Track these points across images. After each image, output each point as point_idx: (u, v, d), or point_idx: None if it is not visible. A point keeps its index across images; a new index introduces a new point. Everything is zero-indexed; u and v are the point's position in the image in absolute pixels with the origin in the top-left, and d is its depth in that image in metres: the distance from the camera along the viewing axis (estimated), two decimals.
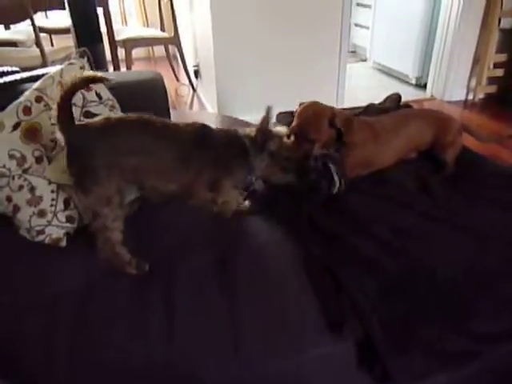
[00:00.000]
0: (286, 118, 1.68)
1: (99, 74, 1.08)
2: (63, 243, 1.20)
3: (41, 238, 1.20)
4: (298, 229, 1.18)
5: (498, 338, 0.93)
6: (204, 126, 1.20)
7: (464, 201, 1.30)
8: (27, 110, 1.27)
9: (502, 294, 1.00)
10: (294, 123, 1.35)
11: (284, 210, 1.29)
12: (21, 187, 1.21)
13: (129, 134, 1.09)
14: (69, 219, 1.23)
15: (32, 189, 1.21)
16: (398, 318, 0.93)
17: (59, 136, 1.06)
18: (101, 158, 1.05)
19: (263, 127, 1.18)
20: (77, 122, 1.10)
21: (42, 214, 1.20)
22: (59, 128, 1.05)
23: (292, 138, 1.33)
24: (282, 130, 1.28)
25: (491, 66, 3.63)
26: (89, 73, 1.10)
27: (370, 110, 1.81)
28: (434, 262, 1.04)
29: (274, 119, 1.20)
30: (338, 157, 1.34)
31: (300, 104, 1.41)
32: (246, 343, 0.92)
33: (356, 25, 5.01)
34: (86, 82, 1.09)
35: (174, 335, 0.92)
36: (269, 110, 1.18)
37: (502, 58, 3.60)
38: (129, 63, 3.66)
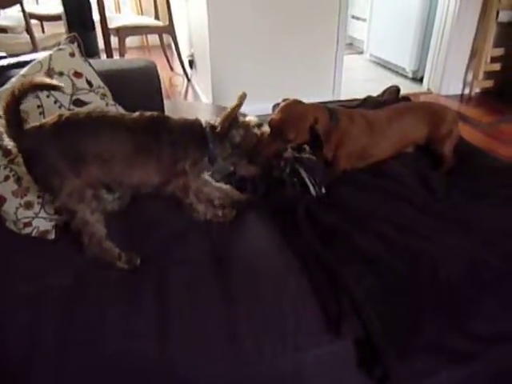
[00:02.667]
0: None
1: (53, 82, 1.06)
2: (52, 236, 1.16)
3: (28, 230, 1.15)
4: (296, 223, 1.14)
5: (500, 338, 0.91)
6: (160, 115, 1.17)
7: (465, 196, 1.28)
8: None
9: (506, 292, 0.97)
10: (274, 116, 1.29)
11: (281, 203, 1.26)
12: (7, 177, 1.16)
13: (83, 129, 1.06)
14: (57, 211, 1.19)
15: (18, 179, 1.16)
16: (399, 317, 0.91)
17: (9, 143, 1.02)
18: (59, 156, 1.02)
19: (229, 116, 1.14)
20: (29, 125, 1.05)
21: (28, 205, 1.16)
22: (9, 135, 1.01)
23: (267, 130, 1.28)
24: (252, 119, 1.23)
25: (488, 60, 3.60)
26: (41, 79, 1.06)
27: (368, 102, 1.78)
28: (435, 260, 1.01)
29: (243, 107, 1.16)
30: (314, 161, 1.31)
31: (284, 99, 1.37)
32: (241, 342, 0.88)
33: (353, 17, 4.96)
34: (36, 88, 1.05)
35: (168, 334, 0.88)
36: (241, 98, 1.14)
37: (500, 52, 3.57)
38: (122, 52, 3.59)
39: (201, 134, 1.17)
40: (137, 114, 1.14)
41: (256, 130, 1.23)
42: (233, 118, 1.15)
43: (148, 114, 1.15)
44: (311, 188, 1.28)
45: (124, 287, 0.98)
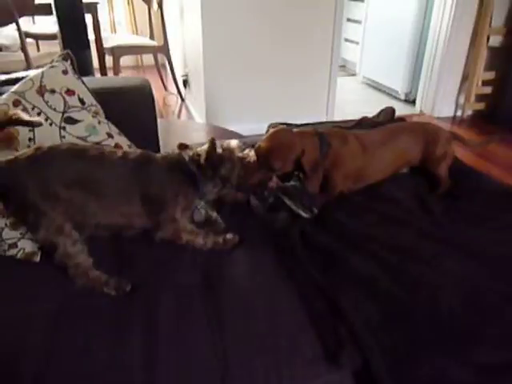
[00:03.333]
0: None
1: (31, 118, 1.05)
2: (37, 258, 1.11)
3: (13, 252, 1.11)
4: (291, 247, 1.11)
5: (505, 369, 0.86)
6: (147, 153, 1.15)
7: (465, 220, 1.25)
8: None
9: (509, 321, 0.93)
10: (261, 144, 1.28)
11: (276, 226, 1.23)
12: None
13: (61, 164, 1.03)
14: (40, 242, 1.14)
15: None
16: (399, 346, 0.87)
17: None
18: (34, 191, 1.00)
19: (211, 156, 1.12)
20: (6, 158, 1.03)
21: (15, 226, 1.12)
22: None
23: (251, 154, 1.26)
24: (234, 143, 1.21)
25: (480, 84, 3.66)
26: (18, 113, 1.04)
27: (363, 123, 1.77)
28: (436, 286, 0.98)
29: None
30: (298, 188, 1.30)
31: (271, 125, 1.35)
32: (232, 372, 0.83)
33: (346, 40, 5.04)
34: (11, 124, 1.05)
35: (155, 365, 0.83)
36: (212, 142, 1.12)
37: (491, 75, 3.64)
38: (116, 71, 3.59)
39: (187, 173, 1.14)
40: (121, 151, 1.12)
41: (240, 154, 1.21)
42: (215, 157, 1.13)
43: (133, 152, 1.13)
44: (301, 212, 1.26)
45: (110, 316, 0.93)
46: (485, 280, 1.01)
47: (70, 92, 1.30)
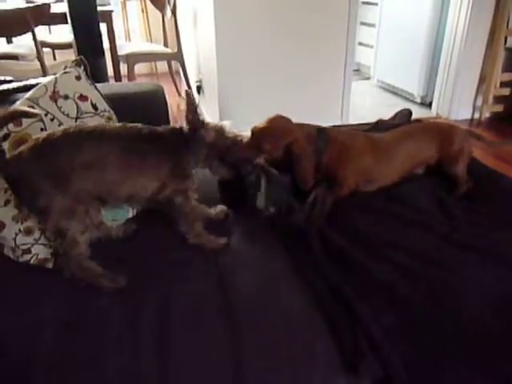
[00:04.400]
0: None
1: (31, 110, 1.06)
2: (50, 264, 1.11)
3: (26, 257, 1.10)
4: (308, 250, 1.08)
5: None
6: (144, 125, 1.16)
7: (489, 224, 1.20)
8: (18, 122, 1.20)
9: None
10: (259, 125, 1.32)
11: (291, 227, 1.20)
12: (7, 202, 1.13)
13: (62, 146, 1.03)
14: (49, 236, 1.13)
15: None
16: (421, 356, 0.83)
17: None
18: (42, 177, 1.01)
19: (191, 116, 1.15)
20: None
21: (28, 231, 1.11)
22: None
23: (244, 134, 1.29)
24: (225, 123, 1.24)
25: (497, 85, 3.58)
26: (19, 108, 1.07)
27: (379, 125, 1.74)
28: (460, 294, 0.94)
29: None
30: (279, 179, 1.31)
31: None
32: (248, 382, 0.81)
33: (360, 43, 5.00)
34: (13, 117, 1.07)
35: (168, 372, 0.81)
36: (188, 95, 1.14)
37: (509, 77, 3.55)
38: (131, 78, 3.62)
39: (184, 139, 1.17)
40: (119, 124, 1.15)
41: (229, 134, 1.23)
42: (195, 119, 1.15)
43: (131, 124, 1.14)
44: (262, 201, 1.26)
45: (122, 322, 0.91)
46: (510, 287, 0.96)
47: (83, 98, 1.30)
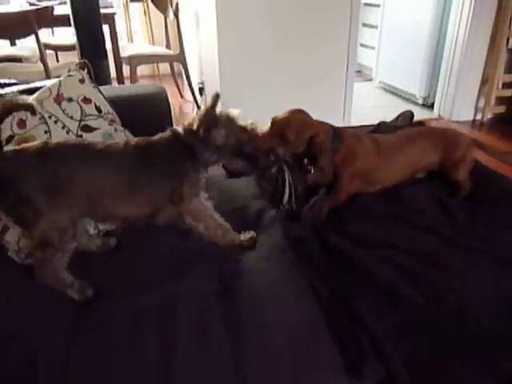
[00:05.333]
0: None
1: (26, 102, 1.00)
2: None
3: (30, 261, 1.10)
4: (309, 253, 1.08)
5: None
6: (144, 140, 1.10)
7: (489, 226, 1.20)
8: (22, 124, 1.21)
9: None
10: (280, 116, 1.31)
11: (293, 230, 1.20)
12: None
13: (69, 160, 0.98)
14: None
15: None
16: (423, 358, 0.83)
17: None
18: (39, 187, 0.93)
19: (204, 118, 1.07)
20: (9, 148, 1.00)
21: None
22: None
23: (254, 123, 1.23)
24: (234, 111, 1.15)
25: (500, 86, 3.57)
26: (11, 100, 0.99)
27: (381, 127, 1.74)
28: (462, 295, 0.94)
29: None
30: (300, 175, 1.29)
31: None
32: None
33: (362, 45, 5.00)
34: (9, 110, 1.00)
35: (172, 376, 0.81)
36: (214, 98, 1.06)
37: (511, 78, 3.55)
38: (133, 80, 3.63)
39: (186, 145, 1.09)
40: (122, 142, 1.08)
41: (240, 123, 1.14)
42: (210, 121, 1.07)
43: (133, 141, 1.09)
44: (286, 196, 1.24)
45: (126, 325, 0.92)
46: None
47: (86, 100, 1.31)
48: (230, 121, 1.12)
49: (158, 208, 1.09)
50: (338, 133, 1.35)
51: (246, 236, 1.17)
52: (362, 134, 1.43)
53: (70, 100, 1.28)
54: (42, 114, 1.22)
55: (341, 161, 1.34)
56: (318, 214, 1.26)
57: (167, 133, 1.12)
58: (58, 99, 1.26)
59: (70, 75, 1.33)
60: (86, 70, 1.38)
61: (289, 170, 1.25)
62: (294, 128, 1.26)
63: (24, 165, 0.94)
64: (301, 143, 1.28)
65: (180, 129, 1.12)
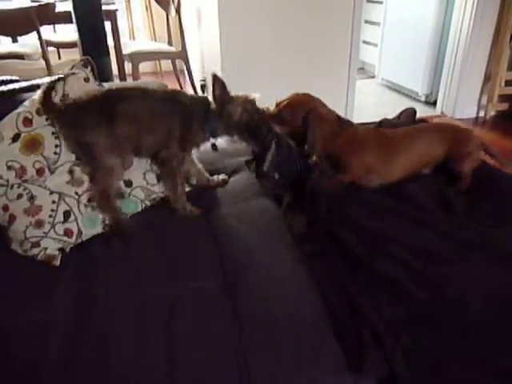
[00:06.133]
0: None
1: None
2: (57, 262, 1.12)
3: (35, 251, 1.12)
4: (313, 248, 1.09)
5: None
6: (176, 90, 1.36)
7: (492, 221, 1.20)
8: (27, 122, 1.22)
9: None
10: (284, 99, 1.45)
11: (296, 225, 1.21)
12: (20, 196, 1.16)
13: (118, 103, 1.18)
14: (66, 232, 1.16)
15: (31, 198, 1.16)
16: (424, 352, 0.84)
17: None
18: (96, 119, 1.15)
19: (218, 94, 1.27)
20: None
21: (39, 224, 1.14)
22: (44, 111, 1.19)
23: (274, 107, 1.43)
24: (253, 94, 1.35)
25: (503, 84, 3.57)
26: None
27: (383, 125, 1.73)
28: (462, 290, 0.94)
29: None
30: (290, 146, 1.44)
31: None
32: (253, 381, 0.82)
33: (364, 42, 4.99)
34: None
35: (175, 371, 0.82)
36: (214, 76, 1.27)
37: None
38: (135, 77, 3.63)
39: (206, 110, 1.29)
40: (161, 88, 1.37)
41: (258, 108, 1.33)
42: (223, 96, 1.28)
43: (169, 89, 1.36)
44: (266, 163, 1.41)
45: (129, 320, 0.93)
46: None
47: None
48: (247, 102, 1.31)
49: (167, 146, 1.26)
50: (343, 119, 1.45)
51: (218, 178, 1.45)
52: (370, 127, 1.52)
53: None
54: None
55: (349, 149, 1.39)
56: (338, 185, 1.36)
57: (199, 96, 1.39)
58: (64, 99, 1.25)
59: (73, 73, 1.33)
60: (89, 68, 1.37)
61: (276, 141, 1.42)
62: (289, 106, 1.41)
63: (80, 110, 1.17)
64: (295, 120, 1.40)
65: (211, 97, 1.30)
